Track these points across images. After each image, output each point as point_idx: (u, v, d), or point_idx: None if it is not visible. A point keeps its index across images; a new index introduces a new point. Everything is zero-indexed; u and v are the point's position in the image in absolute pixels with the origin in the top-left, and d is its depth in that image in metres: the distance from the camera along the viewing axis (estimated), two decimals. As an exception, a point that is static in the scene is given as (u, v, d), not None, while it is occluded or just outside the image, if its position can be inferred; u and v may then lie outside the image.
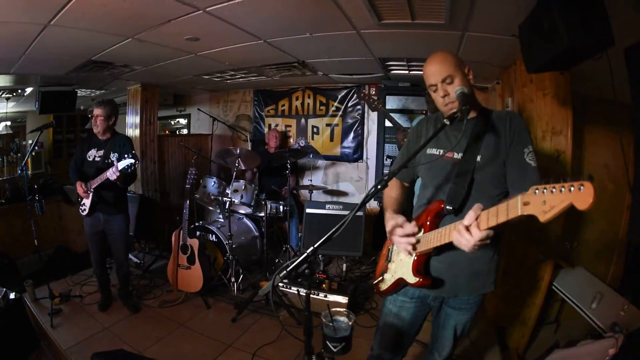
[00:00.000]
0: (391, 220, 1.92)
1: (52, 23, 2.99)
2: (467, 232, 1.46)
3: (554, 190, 1.12)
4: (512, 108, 3.64)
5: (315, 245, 1.57)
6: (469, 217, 1.46)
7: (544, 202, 1.15)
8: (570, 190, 1.08)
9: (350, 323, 1.74)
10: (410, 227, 1.83)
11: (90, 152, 3.89)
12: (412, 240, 1.81)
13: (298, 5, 2.79)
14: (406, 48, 3.92)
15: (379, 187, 1.62)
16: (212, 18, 2.98)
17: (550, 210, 1.13)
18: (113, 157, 3.76)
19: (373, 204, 5.88)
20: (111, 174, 3.44)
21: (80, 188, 3.75)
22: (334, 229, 1.54)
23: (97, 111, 3.79)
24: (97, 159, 3.84)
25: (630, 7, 2.16)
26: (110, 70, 4.85)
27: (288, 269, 1.59)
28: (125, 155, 3.46)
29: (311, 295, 1.79)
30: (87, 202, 3.82)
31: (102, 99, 3.90)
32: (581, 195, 1.06)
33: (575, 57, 2.28)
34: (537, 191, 1.17)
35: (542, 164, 1.87)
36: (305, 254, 1.58)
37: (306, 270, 1.62)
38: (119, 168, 3.39)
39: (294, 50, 4.16)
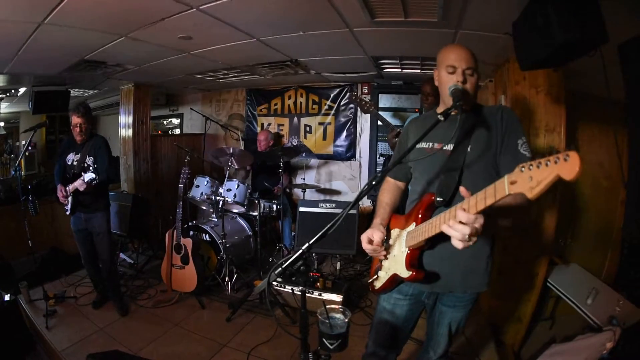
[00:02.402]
0: (369, 230, 2.02)
1: (46, 22, 2.96)
2: (459, 224, 1.43)
3: (540, 165, 1.11)
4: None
5: (309, 242, 1.56)
6: (464, 202, 1.44)
7: (530, 179, 1.13)
8: (555, 162, 1.07)
9: (346, 320, 1.74)
10: (377, 237, 1.96)
11: (69, 156, 3.90)
12: (381, 251, 1.98)
13: (291, 3, 2.79)
14: (399, 46, 3.92)
15: (372, 183, 1.61)
16: (206, 16, 2.97)
17: (537, 186, 1.11)
18: (89, 160, 3.79)
19: (366, 202, 5.87)
20: (80, 185, 3.60)
21: (60, 193, 3.81)
22: (328, 226, 1.54)
23: (77, 119, 3.76)
24: (75, 162, 3.85)
25: (623, 4, 2.17)
26: (103, 69, 4.82)
27: (283, 266, 1.58)
28: (91, 168, 3.65)
29: (306, 294, 1.78)
30: (68, 203, 3.87)
31: (75, 104, 3.80)
32: (567, 166, 1.04)
33: (569, 54, 2.29)
34: (523, 169, 1.16)
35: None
36: (300, 251, 1.58)
37: (301, 267, 1.62)
38: (85, 180, 3.54)
39: (286, 49, 4.15)
